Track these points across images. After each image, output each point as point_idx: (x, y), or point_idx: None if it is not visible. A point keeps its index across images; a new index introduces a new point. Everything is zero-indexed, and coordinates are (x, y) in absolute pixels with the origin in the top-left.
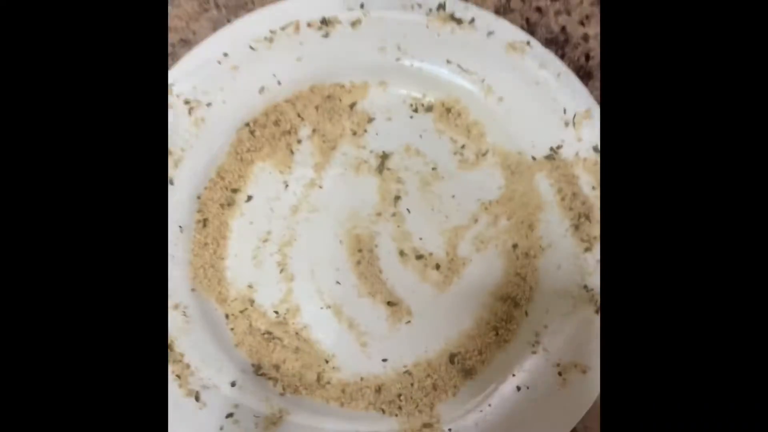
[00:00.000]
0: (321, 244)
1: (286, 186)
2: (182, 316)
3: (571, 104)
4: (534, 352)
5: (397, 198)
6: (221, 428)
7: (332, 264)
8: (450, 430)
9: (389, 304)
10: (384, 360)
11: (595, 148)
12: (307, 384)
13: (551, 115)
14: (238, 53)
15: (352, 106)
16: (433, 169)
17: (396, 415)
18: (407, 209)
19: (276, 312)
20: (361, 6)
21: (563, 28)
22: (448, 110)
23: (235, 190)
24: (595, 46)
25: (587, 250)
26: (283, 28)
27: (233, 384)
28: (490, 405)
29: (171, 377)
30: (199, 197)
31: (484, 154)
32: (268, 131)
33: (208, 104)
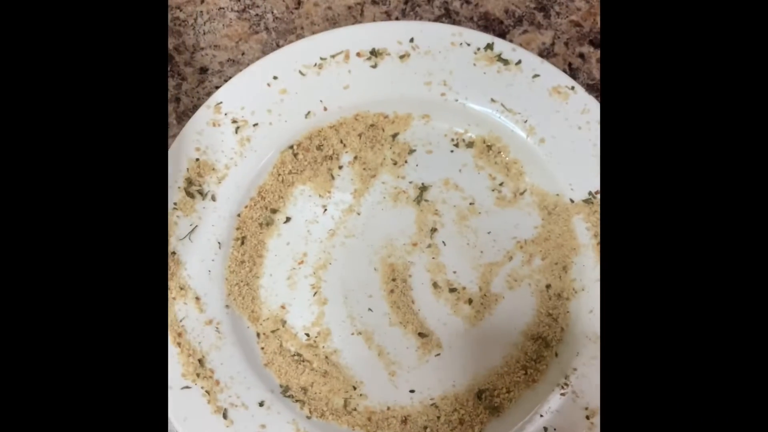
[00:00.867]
0: (355, 270)
1: (325, 210)
2: (215, 332)
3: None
4: (563, 394)
5: (434, 230)
6: None
7: (365, 291)
8: None
9: (420, 335)
10: (411, 391)
11: None
12: (333, 409)
13: (591, 159)
14: (287, 77)
15: (395, 136)
16: (471, 204)
17: None
18: (443, 242)
19: (307, 334)
20: (411, 40)
21: None
22: (489, 147)
23: (274, 211)
24: None
25: None
26: (333, 56)
27: (261, 404)
28: None
29: (200, 393)
30: (239, 215)
31: (522, 193)
32: (311, 155)
33: (255, 125)
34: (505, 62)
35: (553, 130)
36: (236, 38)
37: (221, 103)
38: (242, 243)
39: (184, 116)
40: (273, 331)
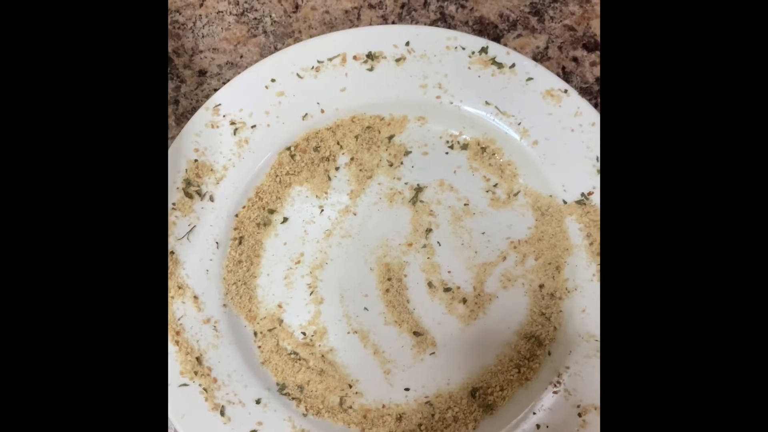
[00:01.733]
0: (351, 269)
1: (321, 210)
2: (213, 330)
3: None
4: (555, 392)
5: (429, 230)
6: None
7: (361, 290)
8: None
9: (415, 334)
10: (406, 389)
11: None
12: (329, 407)
13: (584, 161)
14: (285, 80)
15: (391, 138)
16: (465, 204)
17: None
18: (438, 242)
19: (303, 333)
20: (407, 44)
21: (598, 79)
22: (483, 149)
23: (271, 211)
24: None
25: None
26: (330, 59)
27: (258, 401)
28: None
29: (198, 390)
30: (236, 215)
31: (515, 194)
32: (308, 156)
33: (253, 126)
34: (500, 66)
35: (547, 133)
36: (235, 41)
37: (220, 105)
38: (240, 243)
39: (183, 118)
40: (270, 330)
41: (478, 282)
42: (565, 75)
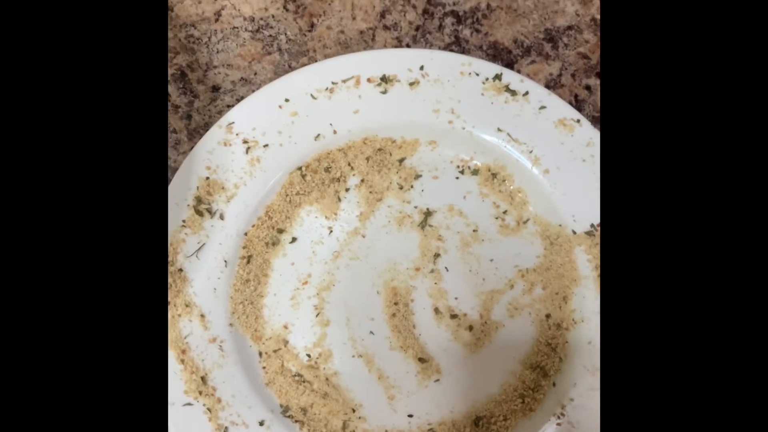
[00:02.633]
0: (358, 292)
1: (330, 231)
2: (218, 350)
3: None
4: (559, 424)
5: (437, 255)
6: None
7: (367, 314)
8: None
9: (420, 360)
10: (410, 416)
11: None
12: (332, 430)
13: (594, 192)
14: (299, 100)
15: (402, 161)
16: (474, 231)
17: None
18: (446, 267)
19: (308, 355)
20: (421, 68)
21: None
22: (494, 175)
23: (281, 231)
24: None
25: None
26: (344, 81)
27: (261, 423)
28: None
29: (202, 410)
30: (246, 234)
31: (525, 222)
32: (319, 177)
33: (265, 145)
34: (513, 93)
35: (558, 162)
36: (249, 58)
37: (233, 123)
38: (248, 262)
39: (196, 133)
40: (275, 351)
41: (485, 309)
42: (578, 103)
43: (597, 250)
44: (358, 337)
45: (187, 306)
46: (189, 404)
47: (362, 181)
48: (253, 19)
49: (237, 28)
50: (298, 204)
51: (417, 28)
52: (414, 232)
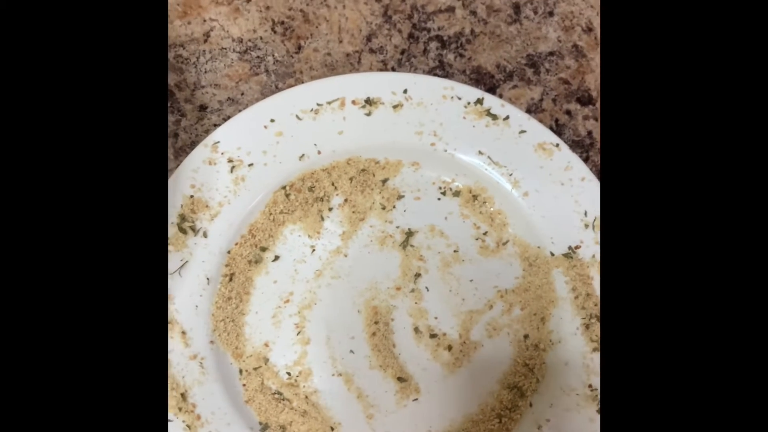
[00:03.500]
0: (339, 311)
1: (313, 250)
2: (199, 366)
3: (591, 208)
4: None
5: (418, 275)
6: None
7: (348, 332)
8: None
9: (399, 379)
10: None
11: None
12: None
13: (572, 215)
14: (284, 120)
15: (385, 181)
16: (455, 251)
17: None
18: (426, 287)
19: (288, 373)
20: (405, 91)
21: (590, 133)
22: (475, 197)
23: (263, 249)
24: None
25: (595, 350)
26: (329, 102)
27: None
28: None
29: (181, 426)
30: (229, 252)
31: (504, 243)
32: (303, 196)
33: (250, 165)
34: (494, 117)
35: (537, 185)
36: (236, 78)
37: (218, 142)
38: (230, 279)
39: (182, 152)
40: (255, 369)
41: (464, 329)
42: (558, 127)
43: (574, 272)
44: (339, 355)
45: (168, 323)
46: (169, 421)
47: (345, 200)
48: (241, 41)
49: (225, 48)
50: (281, 222)
51: (402, 52)
52: (395, 252)
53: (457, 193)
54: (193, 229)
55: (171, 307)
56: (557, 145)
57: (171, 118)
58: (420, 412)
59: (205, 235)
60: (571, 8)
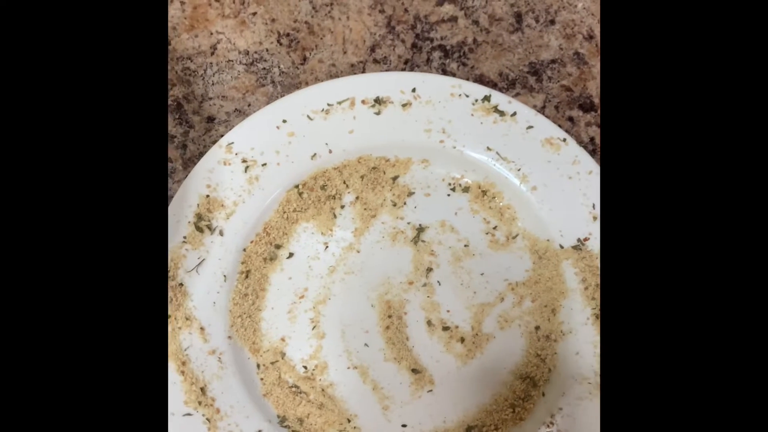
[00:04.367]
0: (353, 306)
1: (326, 247)
2: (217, 361)
3: (599, 200)
4: None
5: (429, 270)
6: None
7: (362, 326)
8: None
9: (413, 371)
10: (403, 425)
11: None
12: None
13: (580, 208)
14: (296, 121)
15: (395, 179)
16: (465, 246)
17: None
18: (438, 281)
19: (305, 367)
20: (413, 90)
21: (592, 139)
22: (484, 192)
23: (278, 246)
24: None
25: None
26: (339, 103)
27: None
28: None
29: (201, 420)
30: (244, 250)
31: (514, 237)
32: (315, 194)
33: (264, 164)
34: (501, 113)
35: (545, 179)
36: (243, 90)
37: (233, 143)
38: (246, 276)
39: (190, 163)
40: (272, 363)
41: (476, 322)
42: None
43: (583, 264)
44: (353, 349)
45: (187, 319)
46: (189, 414)
47: (357, 198)
48: (247, 53)
49: (232, 61)
50: (295, 221)
51: (406, 62)
52: (407, 248)
53: (466, 189)
54: (209, 227)
55: (189, 304)
56: (564, 139)
57: (179, 130)
58: (434, 403)
59: (221, 233)
60: (572, 16)
